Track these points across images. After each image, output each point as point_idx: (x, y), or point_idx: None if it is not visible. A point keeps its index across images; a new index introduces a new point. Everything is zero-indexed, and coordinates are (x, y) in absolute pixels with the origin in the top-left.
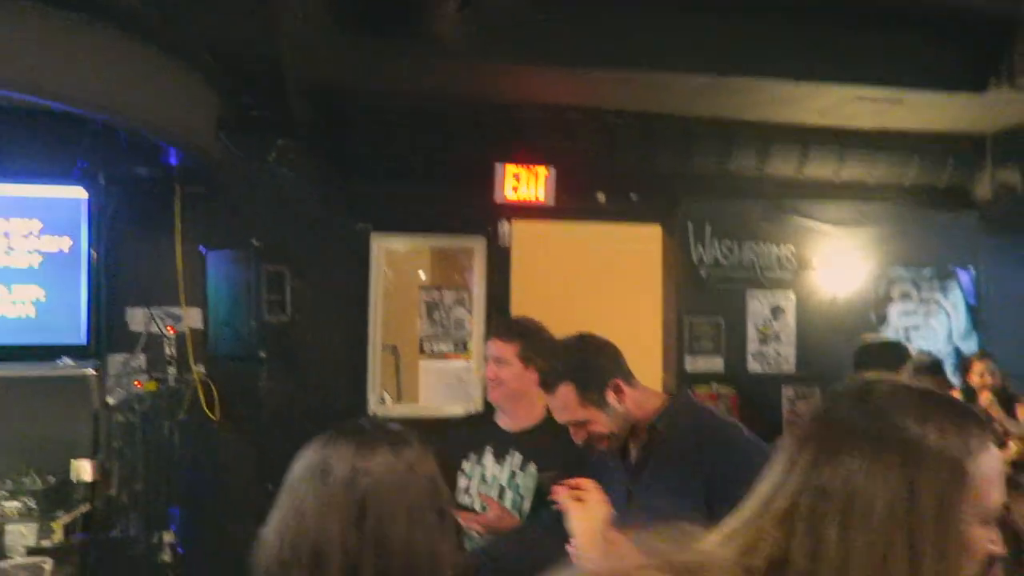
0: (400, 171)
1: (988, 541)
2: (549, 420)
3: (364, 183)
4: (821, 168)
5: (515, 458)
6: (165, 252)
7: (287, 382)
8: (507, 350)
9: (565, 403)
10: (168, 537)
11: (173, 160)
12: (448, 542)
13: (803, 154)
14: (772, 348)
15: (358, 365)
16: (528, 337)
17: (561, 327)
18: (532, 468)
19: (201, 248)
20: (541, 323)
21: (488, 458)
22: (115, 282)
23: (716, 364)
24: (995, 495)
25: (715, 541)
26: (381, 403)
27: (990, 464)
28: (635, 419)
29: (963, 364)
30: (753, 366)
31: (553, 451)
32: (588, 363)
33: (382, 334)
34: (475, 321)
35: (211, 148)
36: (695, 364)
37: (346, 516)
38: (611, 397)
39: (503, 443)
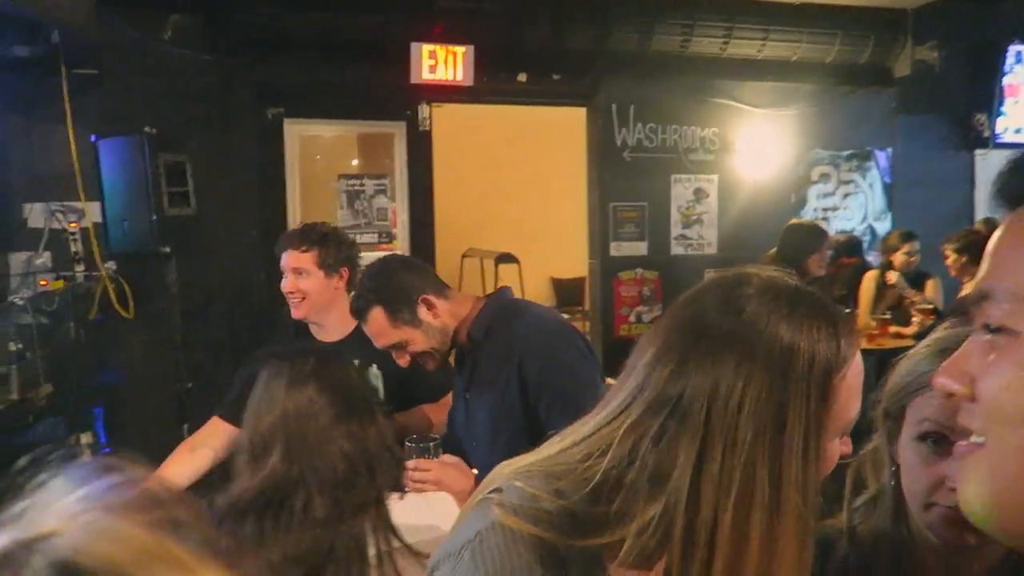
0: (311, 52)
1: (841, 448)
2: None
3: (274, 66)
4: (745, 45)
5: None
6: (59, 141)
7: (201, 277)
8: (304, 259)
9: (378, 329)
10: (86, 439)
11: (55, 39)
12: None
13: (728, 31)
14: (695, 231)
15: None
16: (325, 243)
17: (486, 214)
18: (375, 369)
19: (92, 137)
20: (336, 227)
21: None
22: (7, 175)
23: (640, 248)
24: (855, 408)
25: (566, 445)
26: None
27: (855, 376)
28: (456, 330)
29: (885, 244)
30: (676, 249)
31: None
32: (392, 283)
33: None
34: (399, 210)
35: (89, 23)
36: (620, 249)
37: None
38: (423, 313)
39: None
